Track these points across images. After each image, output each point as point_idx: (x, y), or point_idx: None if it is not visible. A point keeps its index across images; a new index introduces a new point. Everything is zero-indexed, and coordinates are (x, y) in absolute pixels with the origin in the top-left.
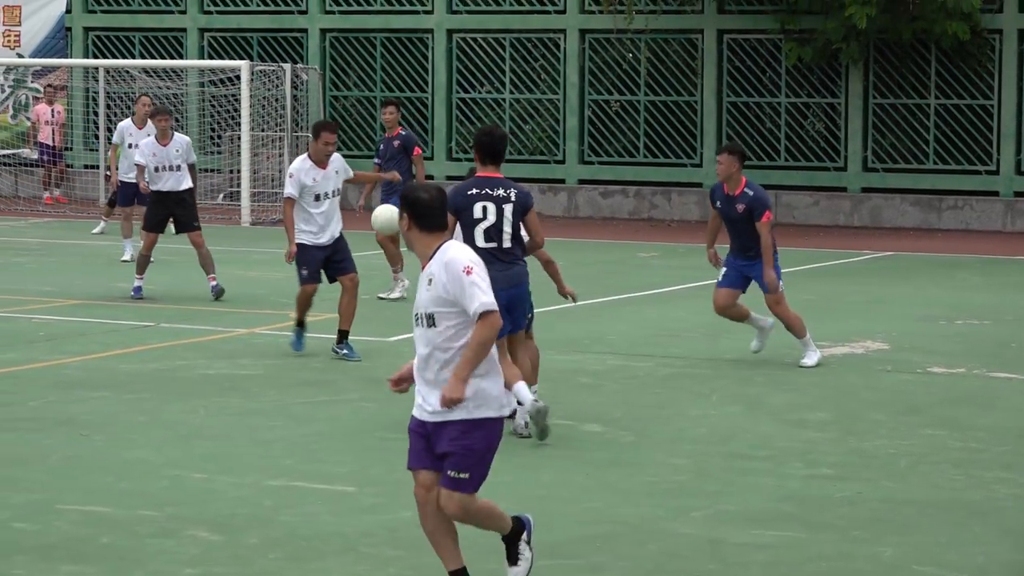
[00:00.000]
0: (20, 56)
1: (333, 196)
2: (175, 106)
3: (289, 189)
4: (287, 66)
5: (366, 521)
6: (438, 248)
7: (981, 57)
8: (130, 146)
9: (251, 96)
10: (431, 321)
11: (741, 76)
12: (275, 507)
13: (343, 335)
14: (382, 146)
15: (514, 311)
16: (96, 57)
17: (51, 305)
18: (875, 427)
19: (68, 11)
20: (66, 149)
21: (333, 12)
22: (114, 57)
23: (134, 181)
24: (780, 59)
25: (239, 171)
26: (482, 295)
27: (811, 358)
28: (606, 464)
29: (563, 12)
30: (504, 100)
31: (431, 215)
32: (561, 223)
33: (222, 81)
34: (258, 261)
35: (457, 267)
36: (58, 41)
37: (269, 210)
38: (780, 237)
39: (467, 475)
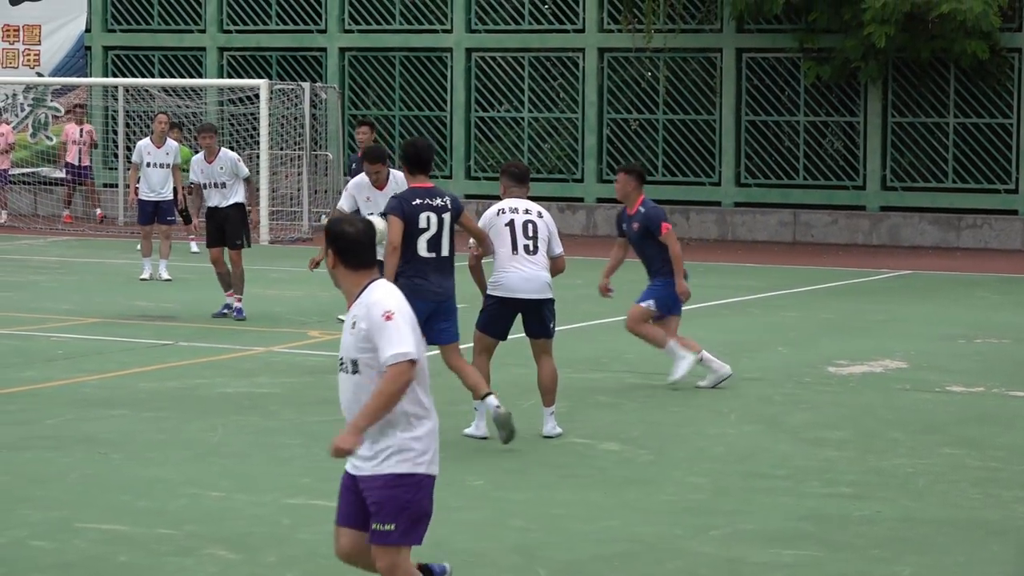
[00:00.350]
0: (40, 75)
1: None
2: (194, 125)
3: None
4: (306, 85)
5: None
6: (365, 287)
7: (1000, 76)
8: (148, 164)
9: (270, 115)
10: (355, 367)
11: (760, 95)
12: (293, 525)
13: None
14: (354, 165)
15: (439, 322)
16: (116, 76)
17: (70, 323)
18: (894, 446)
19: (88, 30)
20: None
21: (352, 31)
22: (133, 76)
23: (153, 199)
24: (799, 78)
25: (258, 189)
26: (398, 344)
27: (680, 369)
28: (624, 483)
29: (582, 31)
30: (523, 119)
31: (358, 251)
32: (580, 242)
33: (241, 100)
34: (276, 280)
35: (378, 311)
36: (78, 60)
37: (288, 228)
38: (799, 256)
39: (392, 526)
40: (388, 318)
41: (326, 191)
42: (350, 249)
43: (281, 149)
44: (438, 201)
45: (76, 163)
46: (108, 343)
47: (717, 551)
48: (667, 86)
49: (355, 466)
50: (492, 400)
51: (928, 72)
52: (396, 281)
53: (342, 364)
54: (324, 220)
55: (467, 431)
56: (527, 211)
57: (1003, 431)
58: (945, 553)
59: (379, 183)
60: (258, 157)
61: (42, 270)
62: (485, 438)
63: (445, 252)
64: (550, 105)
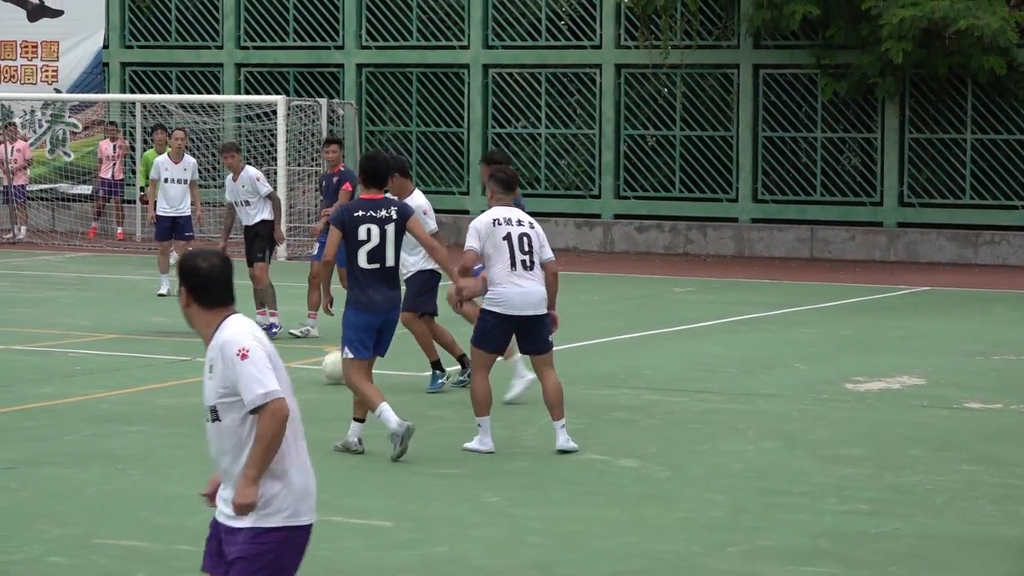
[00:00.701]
0: (58, 91)
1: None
2: (211, 141)
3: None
4: (323, 101)
5: (402, 556)
6: (218, 326)
7: (1018, 92)
8: (166, 180)
9: (287, 131)
10: (215, 414)
11: (777, 111)
12: (311, 541)
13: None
14: (324, 183)
15: (384, 336)
16: (133, 92)
17: (88, 340)
18: (911, 463)
19: (105, 46)
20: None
21: (369, 47)
22: (151, 92)
23: (171, 215)
24: (816, 94)
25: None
26: (260, 384)
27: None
28: (641, 499)
29: (599, 47)
30: (540, 135)
31: (212, 288)
32: (597, 258)
33: (258, 116)
34: (294, 296)
35: (231, 350)
36: (96, 76)
37: (305, 245)
38: (817, 272)
39: None
40: (243, 356)
41: None
42: (204, 286)
43: (299, 165)
44: (382, 212)
45: (110, 178)
46: (126, 359)
47: (735, 568)
48: (684, 102)
49: (221, 512)
50: (391, 414)
51: (945, 88)
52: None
53: (204, 412)
54: None
55: (469, 446)
56: (520, 222)
57: (1021, 448)
58: (963, 570)
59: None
60: (275, 173)
61: (60, 286)
62: (492, 452)
63: (390, 263)
64: (567, 121)
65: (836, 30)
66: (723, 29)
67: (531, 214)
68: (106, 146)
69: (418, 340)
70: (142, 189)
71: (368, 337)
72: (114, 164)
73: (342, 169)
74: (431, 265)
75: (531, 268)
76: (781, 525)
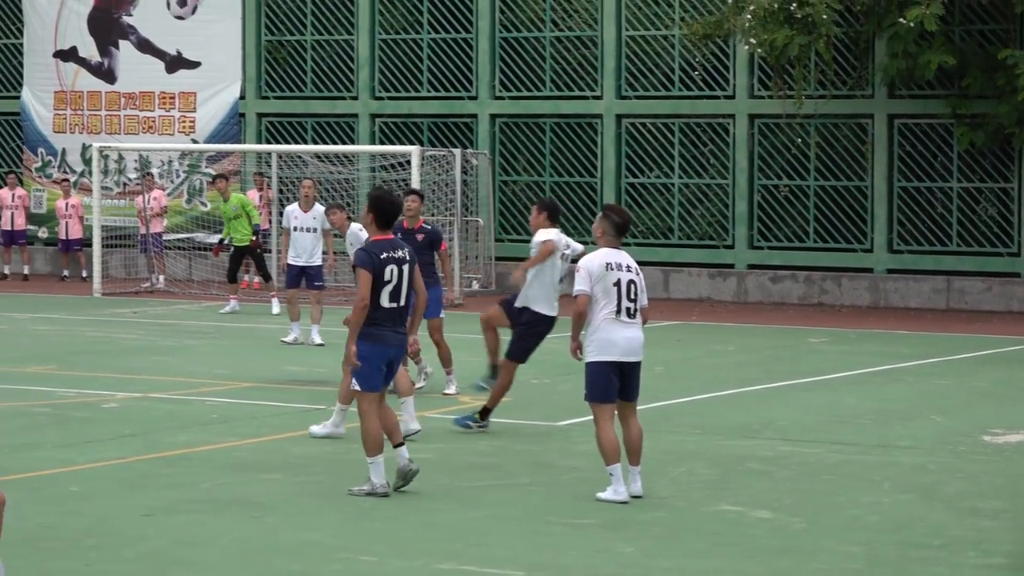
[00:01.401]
0: (195, 141)
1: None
2: (347, 191)
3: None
4: (457, 151)
5: None
6: None
7: None
8: (296, 229)
9: (421, 180)
10: None
11: (912, 161)
12: None
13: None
14: (400, 236)
15: (394, 368)
16: (269, 142)
17: (223, 388)
18: None
19: (242, 97)
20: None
21: (503, 98)
22: (287, 142)
23: (301, 264)
24: (952, 143)
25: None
26: None
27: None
28: (777, 551)
29: (732, 97)
30: (673, 185)
31: None
32: (731, 308)
33: (393, 166)
34: (428, 344)
35: None
36: (232, 127)
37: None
38: (953, 323)
39: None
40: None
41: (476, 256)
42: None
43: (432, 215)
44: (399, 253)
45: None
46: (261, 407)
47: None
48: (818, 152)
49: None
50: (382, 471)
51: None
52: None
53: None
54: (475, 286)
55: (602, 495)
56: (629, 268)
57: None
58: None
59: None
60: None
61: (197, 335)
62: (626, 502)
63: (403, 302)
64: (700, 171)
65: (972, 80)
66: (857, 79)
67: (664, 264)
68: (253, 196)
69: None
70: (220, 242)
71: (378, 369)
72: (260, 213)
73: (424, 225)
74: (551, 312)
75: (634, 315)
76: None
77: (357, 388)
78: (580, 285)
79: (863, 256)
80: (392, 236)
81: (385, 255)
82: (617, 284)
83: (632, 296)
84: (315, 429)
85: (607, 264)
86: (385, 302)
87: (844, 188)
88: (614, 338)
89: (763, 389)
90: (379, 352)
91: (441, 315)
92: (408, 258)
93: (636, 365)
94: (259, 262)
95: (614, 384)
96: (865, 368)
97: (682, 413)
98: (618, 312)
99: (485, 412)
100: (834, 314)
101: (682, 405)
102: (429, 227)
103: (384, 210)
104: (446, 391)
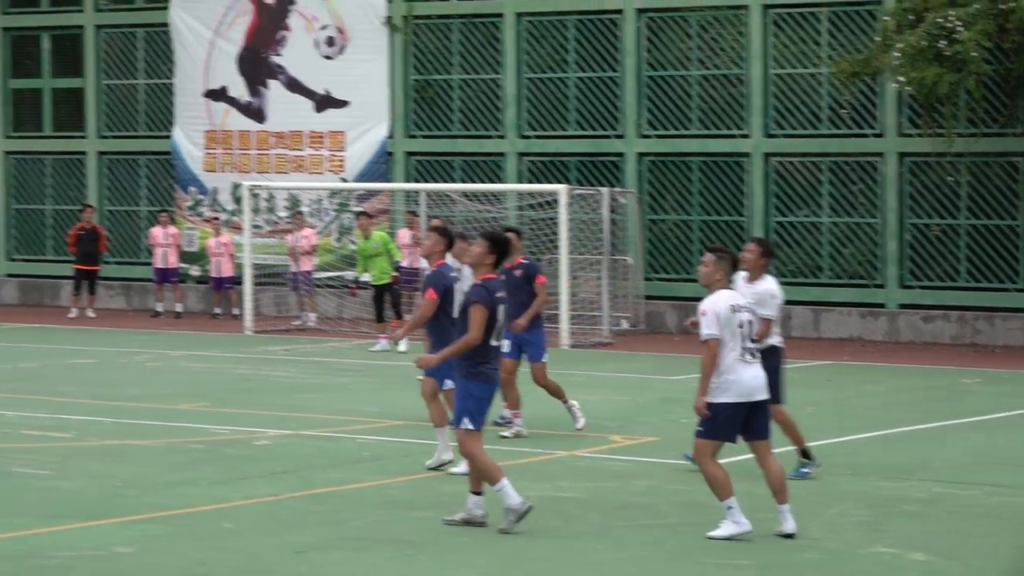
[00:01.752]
0: (344, 180)
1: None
2: (496, 228)
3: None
4: (605, 190)
5: None
6: None
7: None
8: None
9: (569, 219)
10: None
11: None
12: None
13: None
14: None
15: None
16: (417, 181)
17: (375, 426)
18: None
19: (390, 136)
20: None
21: (650, 136)
22: (435, 181)
23: None
24: None
25: (558, 294)
26: None
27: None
28: None
29: (881, 136)
30: (822, 223)
31: None
32: (882, 348)
33: (540, 205)
34: (578, 384)
35: None
36: (380, 165)
37: (588, 333)
38: None
39: None
40: None
41: (625, 296)
42: None
43: (580, 254)
44: (501, 293)
45: (407, 266)
46: (413, 445)
47: None
48: (969, 190)
49: None
50: (513, 491)
51: None
52: (463, 366)
53: None
54: (625, 324)
55: (717, 533)
56: (747, 308)
57: None
58: None
59: None
60: (557, 262)
61: (347, 372)
62: (750, 531)
63: (497, 341)
64: (850, 210)
65: None
66: (1008, 116)
67: (814, 304)
68: (403, 235)
69: (782, 428)
70: (355, 280)
71: (486, 408)
72: (409, 252)
73: (524, 261)
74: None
75: (755, 356)
76: None
77: (469, 427)
78: (709, 330)
79: (1016, 296)
80: (496, 275)
81: (499, 294)
82: (741, 326)
83: (752, 336)
84: (456, 469)
85: (732, 307)
86: (493, 340)
87: (995, 227)
88: (743, 379)
89: (916, 430)
90: (489, 390)
91: (544, 359)
92: (505, 299)
93: (763, 404)
94: (395, 299)
95: (738, 425)
96: (1021, 410)
97: (835, 453)
98: (742, 353)
99: (804, 453)
100: (988, 354)
101: (834, 445)
102: (527, 261)
103: (505, 250)
104: (576, 426)
